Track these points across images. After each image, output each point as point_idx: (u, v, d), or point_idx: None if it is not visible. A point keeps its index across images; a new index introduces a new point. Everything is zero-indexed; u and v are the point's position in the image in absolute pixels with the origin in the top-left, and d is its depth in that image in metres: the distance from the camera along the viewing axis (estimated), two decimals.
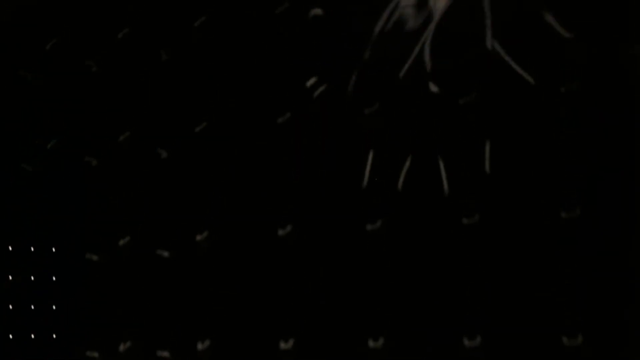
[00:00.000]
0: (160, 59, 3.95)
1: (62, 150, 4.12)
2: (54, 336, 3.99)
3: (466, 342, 3.33)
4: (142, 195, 3.92)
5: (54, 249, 4.02)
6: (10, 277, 3.98)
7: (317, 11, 3.58)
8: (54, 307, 4.01)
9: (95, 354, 3.83)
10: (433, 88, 3.42)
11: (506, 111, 3.37)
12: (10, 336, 3.99)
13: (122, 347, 3.80)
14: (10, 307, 3.97)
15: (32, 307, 4.00)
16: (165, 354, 3.71)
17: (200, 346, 3.63)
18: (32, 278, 4.02)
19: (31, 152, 4.14)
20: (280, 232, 3.60)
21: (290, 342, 3.54)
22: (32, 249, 3.92)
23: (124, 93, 4.03)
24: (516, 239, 3.36)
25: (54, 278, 4.04)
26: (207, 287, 3.70)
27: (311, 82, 3.56)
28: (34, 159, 4.15)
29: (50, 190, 4.09)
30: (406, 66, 3.42)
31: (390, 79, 3.51)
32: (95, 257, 3.93)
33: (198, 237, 3.73)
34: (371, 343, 3.58)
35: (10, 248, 3.97)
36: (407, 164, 3.46)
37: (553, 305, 3.27)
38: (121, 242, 3.87)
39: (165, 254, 3.78)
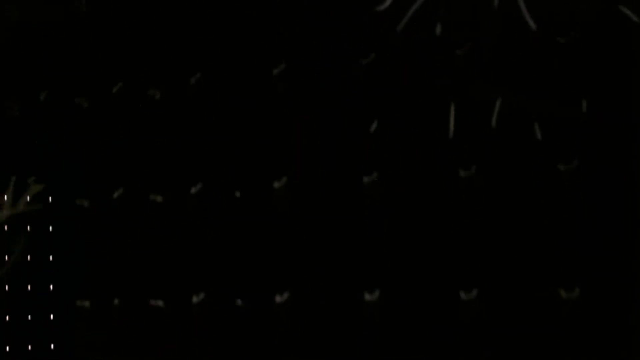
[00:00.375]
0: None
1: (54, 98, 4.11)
2: (50, 287, 3.99)
3: (463, 295, 3.33)
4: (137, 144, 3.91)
5: (50, 199, 4.00)
6: (5, 228, 3.97)
7: None
8: (50, 258, 4.01)
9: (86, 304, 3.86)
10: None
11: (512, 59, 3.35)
12: (7, 287, 3.99)
13: (116, 301, 3.82)
14: (6, 257, 3.97)
15: (29, 258, 4.00)
16: (160, 303, 3.74)
17: (195, 299, 3.67)
18: (28, 228, 4.01)
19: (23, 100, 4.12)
20: (276, 184, 3.59)
21: (285, 295, 3.57)
22: (28, 198, 3.90)
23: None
24: (514, 191, 3.34)
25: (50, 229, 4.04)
26: (202, 236, 3.71)
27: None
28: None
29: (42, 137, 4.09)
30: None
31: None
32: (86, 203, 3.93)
33: (192, 190, 3.73)
34: (367, 296, 3.60)
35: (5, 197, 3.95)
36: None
37: (551, 259, 3.25)
38: (115, 194, 3.86)
39: (159, 198, 3.78)
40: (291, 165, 3.56)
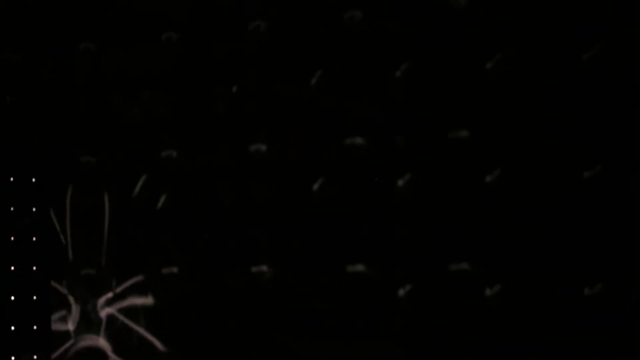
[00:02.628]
0: None
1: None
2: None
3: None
4: None
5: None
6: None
7: None
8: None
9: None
10: None
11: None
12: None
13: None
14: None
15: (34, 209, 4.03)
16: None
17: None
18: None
19: None
20: (252, 147, 3.76)
21: (264, 267, 3.73)
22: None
23: None
24: (537, 194, 3.54)
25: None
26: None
27: None
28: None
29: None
30: None
31: None
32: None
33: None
34: (349, 268, 3.77)
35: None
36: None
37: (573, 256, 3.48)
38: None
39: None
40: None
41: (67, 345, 3.92)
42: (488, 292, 3.52)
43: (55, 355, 3.92)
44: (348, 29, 3.67)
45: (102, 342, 3.93)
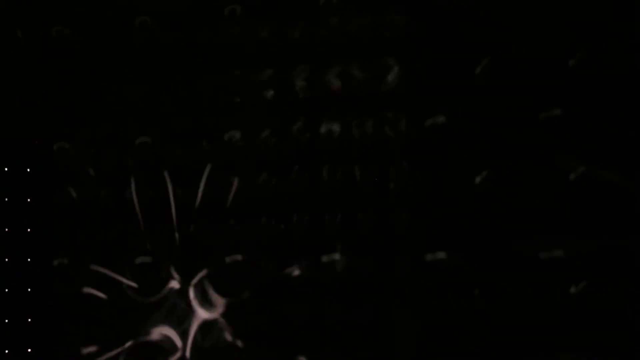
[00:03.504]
0: None
1: None
2: None
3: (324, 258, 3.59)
4: None
5: None
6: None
7: None
8: None
9: None
10: None
11: None
12: None
13: None
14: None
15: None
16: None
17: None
18: None
19: None
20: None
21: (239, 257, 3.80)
22: None
23: None
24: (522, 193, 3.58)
25: None
26: None
27: None
28: None
29: None
30: None
31: None
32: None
33: None
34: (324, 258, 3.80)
35: None
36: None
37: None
38: None
39: None
40: None
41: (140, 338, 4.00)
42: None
43: (127, 346, 3.92)
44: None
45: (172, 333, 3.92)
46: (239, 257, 3.86)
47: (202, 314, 3.92)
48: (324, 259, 3.79)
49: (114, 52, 3.96)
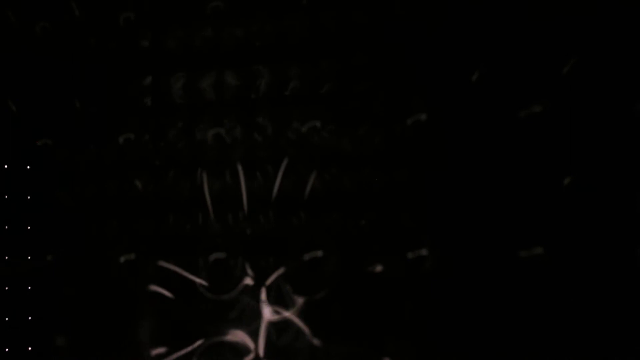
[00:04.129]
0: None
1: None
2: None
3: (410, 254, 3.41)
4: None
5: None
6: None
7: None
8: None
9: None
10: None
11: None
12: None
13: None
14: None
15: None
16: None
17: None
18: None
19: None
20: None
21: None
22: None
23: None
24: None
25: None
26: None
27: None
28: None
29: None
30: None
31: None
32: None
33: None
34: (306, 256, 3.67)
35: None
36: None
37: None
38: None
39: None
40: None
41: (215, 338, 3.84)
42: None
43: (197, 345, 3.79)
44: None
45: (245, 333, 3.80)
46: (319, 253, 3.71)
47: (276, 312, 3.76)
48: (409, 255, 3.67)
49: None
